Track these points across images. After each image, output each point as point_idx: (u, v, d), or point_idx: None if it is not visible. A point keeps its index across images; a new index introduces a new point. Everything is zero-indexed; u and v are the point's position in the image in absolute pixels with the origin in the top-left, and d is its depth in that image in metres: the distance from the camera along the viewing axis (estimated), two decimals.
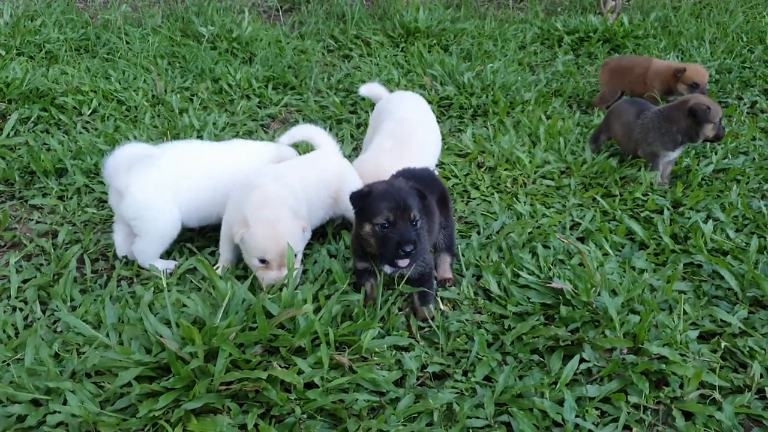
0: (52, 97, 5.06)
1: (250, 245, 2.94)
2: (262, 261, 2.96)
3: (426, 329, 2.82)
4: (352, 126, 5.09)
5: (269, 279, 2.96)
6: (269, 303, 2.65)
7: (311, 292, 2.79)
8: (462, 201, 3.96)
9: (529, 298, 2.92)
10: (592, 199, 3.96)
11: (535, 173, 4.24)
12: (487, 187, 4.09)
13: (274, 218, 2.93)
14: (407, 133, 3.76)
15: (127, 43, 6.39)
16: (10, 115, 4.78)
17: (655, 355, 2.56)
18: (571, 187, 4.09)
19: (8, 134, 4.58)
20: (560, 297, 2.88)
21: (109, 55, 6.20)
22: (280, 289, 2.83)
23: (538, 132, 4.74)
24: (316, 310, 2.70)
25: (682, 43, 7.10)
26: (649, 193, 3.98)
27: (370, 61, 6.51)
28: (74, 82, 5.32)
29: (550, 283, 2.94)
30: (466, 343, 2.71)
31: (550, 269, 3.14)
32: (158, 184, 3.18)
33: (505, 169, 4.27)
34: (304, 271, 3.17)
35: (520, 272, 3.08)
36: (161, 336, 2.50)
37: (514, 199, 3.95)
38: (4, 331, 2.77)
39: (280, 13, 7.92)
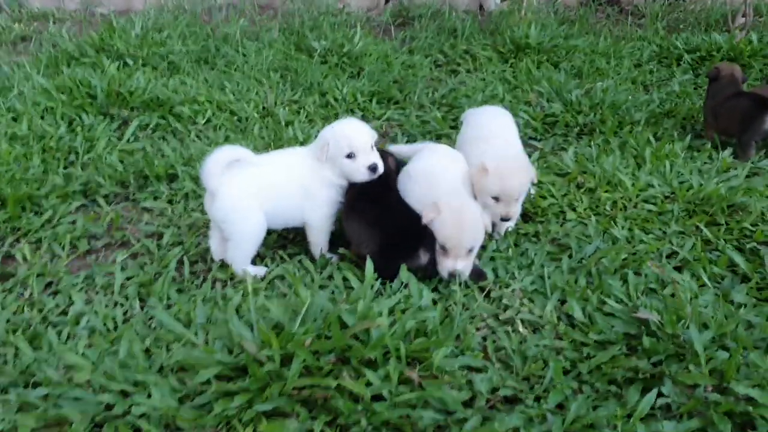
0: (171, 106, 5.38)
1: (437, 231, 3.16)
2: (442, 247, 3.17)
3: (502, 351, 2.80)
4: (452, 142, 5.09)
5: (443, 266, 3.17)
6: (346, 313, 2.70)
7: (388, 306, 2.83)
8: (557, 222, 3.87)
9: (612, 327, 2.83)
10: (695, 227, 3.78)
11: (637, 197, 4.09)
12: (585, 209, 3.98)
13: (462, 210, 3.17)
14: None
15: (244, 55, 6.70)
16: (131, 122, 5.12)
17: (742, 395, 2.42)
18: (674, 213, 3.92)
19: (128, 140, 4.91)
20: (645, 327, 2.77)
21: (227, 67, 6.51)
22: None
23: (644, 154, 4.58)
24: (392, 324, 2.74)
25: None
26: (759, 224, 3.75)
27: (476, 76, 6.50)
28: (192, 92, 5.63)
29: (636, 313, 2.84)
30: (542, 368, 2.66)
31: (638, 298, 3.04)
32: (245, 188, 3.31)
33: (606, 191, 4.14)
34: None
35: (607, 299, 2.99)
36: (243, 338, 2.62)
37: (612, 222, 3.83)
38: (104, 324, 2.98)
39: (392, 27, 8.05)
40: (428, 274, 3.22)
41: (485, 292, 3.17)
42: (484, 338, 2.86)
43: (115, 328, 2.99)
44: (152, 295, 3.18)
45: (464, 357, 2.68)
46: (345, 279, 3.23)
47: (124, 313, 3.10)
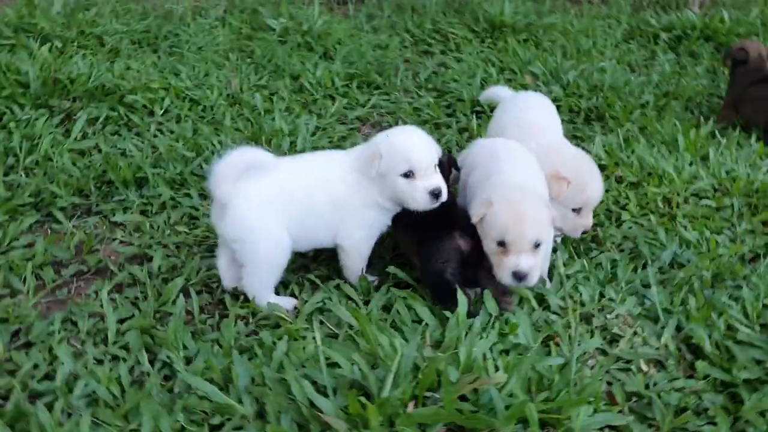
0: (120, 95, 4.51)
1: (491, 224, 2.52)
2: (500, 244, 2.50)
3: (634, 399, 2.25)
4: (453, 132, 4.51)
5: (504, 268, 2.50)
6: (446, 365, 2.07)
7: (485, 348, 2.23)
8: (610, 223, 3.37)
9: (757, 361, 2.33)
10: (763, 223, 3.37)
11: (685, 190, 3.64)
12: (636, 207, 3.50)
13: (519, 199, 2.52)
14: None
15: (193, 36, 5.84)
16: (76, 115, 4.25)
17: None
18: (735, 209, 3.49)
19: (76, 137, 4.04)
20: None
21: (173, 48, 5.65)
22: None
23: (676, 141, 4.14)
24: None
25: None
26: None
27: (453, 57, 5.92)
28: (142, 78, 4.77)
29: None
30: (688, 421, 2.13)
31: (758, 318, 2.56)
32: (263, 199, 2.61)
33: (653, 186, 3.66)
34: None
35: (735, 323, 2.49)
36: (318, 409, 1.95)
37: (674, 222, 3.36)
38: (108, 389, 2.23)
39: (350, 4, 7.31)
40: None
41: (582, 318, 2.63)
42: (609, 383, 2.30)
43: (122, 392, 2.24)
44: (164, 346, 2.42)
45: (602, 415, 2.09)
46: (409, 308, 2.59)
47: (130, 371, 2.34)
